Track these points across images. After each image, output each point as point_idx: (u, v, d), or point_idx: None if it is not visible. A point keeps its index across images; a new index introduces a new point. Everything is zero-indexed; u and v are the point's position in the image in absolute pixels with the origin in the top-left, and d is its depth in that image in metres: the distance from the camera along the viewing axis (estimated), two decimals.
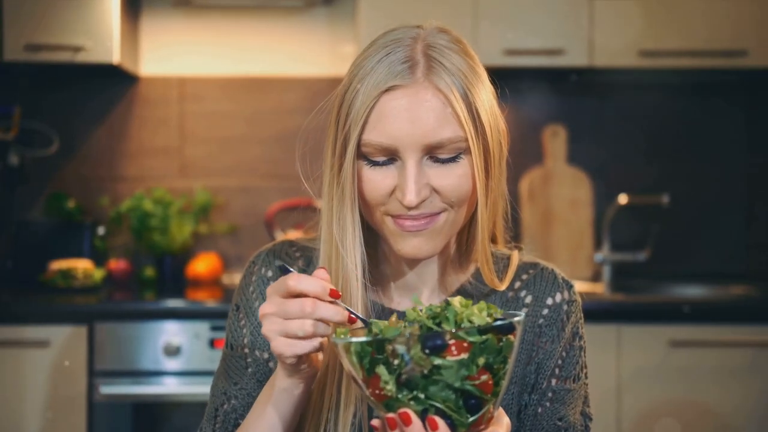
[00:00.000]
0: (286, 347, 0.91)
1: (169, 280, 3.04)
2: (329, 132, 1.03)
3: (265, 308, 0.92)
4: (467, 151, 0.99)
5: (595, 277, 3.12)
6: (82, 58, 2.79)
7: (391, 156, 0.99)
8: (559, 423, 1.08)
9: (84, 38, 2.78)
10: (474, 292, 1.12)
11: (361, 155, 1.00)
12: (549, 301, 1.12)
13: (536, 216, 3.17)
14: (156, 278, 3.05)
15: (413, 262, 1.09)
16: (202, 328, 2.57)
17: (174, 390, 2.55)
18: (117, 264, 3.00)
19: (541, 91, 3.25)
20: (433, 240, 1.02)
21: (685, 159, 3.27)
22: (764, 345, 2.60)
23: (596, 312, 2.62)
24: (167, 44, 3.20)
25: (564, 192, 3.19)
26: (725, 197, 3.27)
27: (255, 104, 3.20)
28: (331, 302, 0.90)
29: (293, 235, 2.86)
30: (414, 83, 0.97)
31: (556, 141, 3.21)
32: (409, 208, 0.98)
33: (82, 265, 2.82)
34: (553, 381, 1.09)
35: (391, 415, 0.79)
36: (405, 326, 0.84)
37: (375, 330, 0.85)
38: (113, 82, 3.16)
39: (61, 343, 2.53)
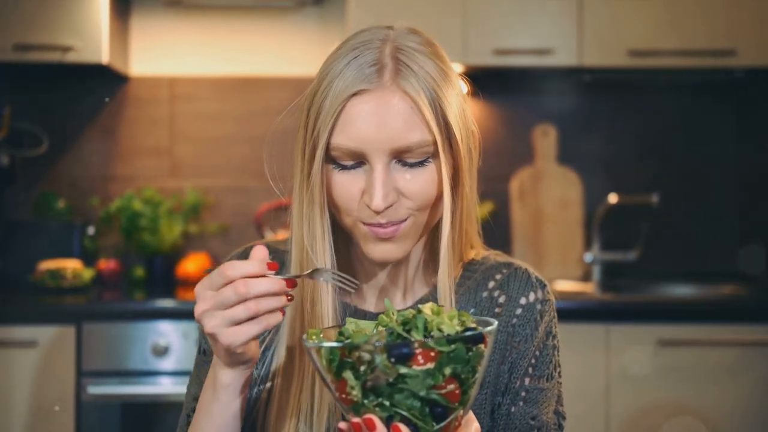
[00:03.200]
0: (234, 336, 0.90)
1: (159, 280, 3.04)
2: (299, 134, 1.03)
3: (199, 308, 0.91)
4: (435, 155, 0.99)
5: (586, 277, 3.12)
6: (71, 58, 2.79)
7: (359, 160, 0.99)
8: (532, 422, 1.08)
9: (73, 38, 2.78)
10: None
11: (329, 159, 1.00)
12: (522, 301, 1.11)
13: (526, 216, 3.17)
14: (146, 278, 3.05)
15: (385, 264, 1.09)
16: (192, 328, 2.57)
17: (162, 390, 2.55)
18: (107, 264, 2.99)
19: (531, 91, 3.25)
20: (402, 244, 1.02)
21: (675, 158, 3.27)
22: (753, 344, 2.60)
23: (585, 311, 2.62)
24: (157, 44, 3.19)
25: (554, 192, 3.19)
26: (715, 197, 3.27)
27: (245, 104, 3.20)
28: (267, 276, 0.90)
29: (282, 234, 2.86)
30: (381, 87, 0.97)
31: (546, 140, 3.21)
32: (377, 212, 0.98)
33: (71, 265, 2.82)
34: (527, 380, 1.09)
35: (356, 419, 0.79)
36: (376, 331, 0.84)
37: (346, 334, 0.85)
38: (103, 82, 3.16)
39: (49, 343, 2.53)
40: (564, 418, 1.12)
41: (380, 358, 0.76)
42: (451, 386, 0.78)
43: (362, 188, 0.99)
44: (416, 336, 0.81)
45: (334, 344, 0.80)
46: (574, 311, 2.61)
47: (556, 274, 3.13)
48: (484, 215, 3.38)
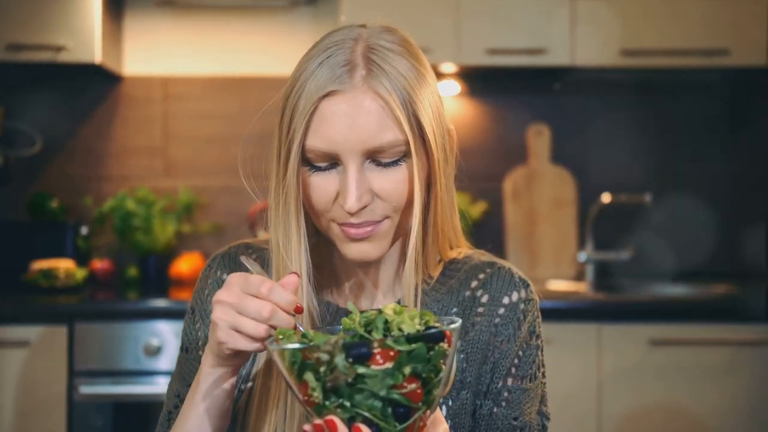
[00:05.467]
0: (230, 338, 0.91)
1: (152, 280, 3.04)
2: (274, 136, 1.02)
3: (222, 295, 0.92)
4: (408, 155, 0.99)
5: (579, 276, 3.12)
6: (63, 57, 2.79)
7: (333, 161, 0.99)
8: (515, 422, 1.08)
9: (65, 38, 2.78)
10: (430, 292, 1.11)
11: (304, 161, 1.00)
12: (505, 300, 1.10)
13: (520, 215, 3.17)
14: (139, 278, 3.04)
15: (363, 265, 1.09)
16: None
17: (155, 390, 2.54)
18: (100, 264, 2.99)
19: (525, 90, 3.26)
20: (378, 244, 1.02)
21: (668, 158, 3.28)
22: (745, 344, 2.60)
23: (577, 311, 2.62)
24: (151, 44, 3.19)
25: (548, 191, 3.19)
26: (708, 196, 3.27)
27: (239, 104, 3.20)
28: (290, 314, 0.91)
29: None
30: (352, 88, 0.97)
31: (539, 140, 3.21)
32: (351, 214, 0.98)
33: (64, 264, 2.81)
34: (509, 380, 1.08)
35: (318, 421, 0.79)
36: (340, 334, 0.84)
37: (308, 336, 0.84)
38: (96, 82, 3.16)
39: (41, 343, 2.52)
40: (548, 418, 1.11)
41: (338, 359, 0.76)
42: (412, 386, 0.77)
43: (337, 190, 0.99)
44: (376, 336, 0.80)
45: (294, 346, 0.80)
46: (566, 311, 2.61)
47: (549, 273, 3.13)
48: (477, 216, 3.35)
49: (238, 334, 0.91)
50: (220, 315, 0.91)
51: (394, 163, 0.99)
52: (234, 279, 0.93)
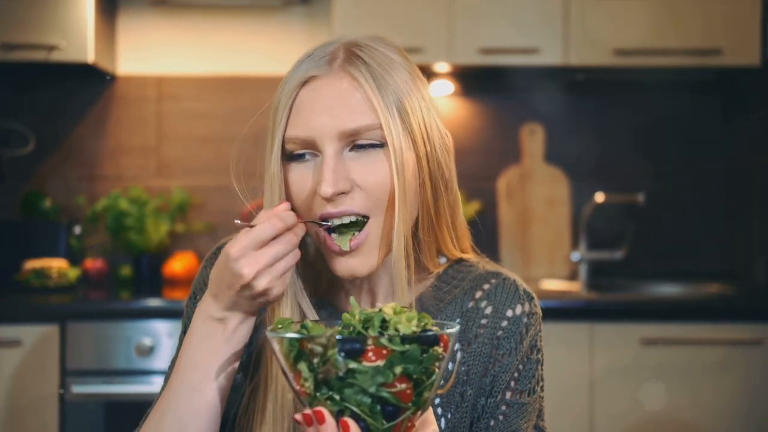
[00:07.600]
0: (282, 285, 0.95)
1: (145, 280, 3.03)
2: (267, 137, 1.04)
3: (252, 266, 0.92)
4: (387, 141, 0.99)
5: (573, 276, 3.12)
6: (56, 57, 2.78)
7: (313, 150, 0.99)
8: None
9: (59, 37, 2.77)
10: (432, 301, 1.10)
11: (286, 155, 1.01)
12: (509, 313, 1.10)
13: (514, 215, 3.17)
14: (132, 277, 3.04)
15: (354, 279, 1.06)
16: (178, 327, 2.56)
17: (148, 389, 2.54)
18: (93, 263, 2.99)
19: (518, 90, 3.26)
20: (366, 259, 1.01)
21: (661, 157, 3.28)
22: (737, 343, 2.61)
23: (570, 310, 2.62)
24: (144, 43, 3.19)
25: (541, 191, 3.20)
26: (701, 196, 3.28)
27: (233, 103, 3.20)
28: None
29: None
30: (330, 73, 0.99)
31: (533, 139, 3.21)
32: (326, 199, 0.97)
33: (56, 264, 2.81)
34: (508, 394, 1.08)
35: (307, 411, 0.80)
36: (337, 328, 0.85)
37: (307, 327, 0.85)
38: (90, 82, 3.15)
39: (33, 343, 2.52)
40: None
41: (331, 352, 0.77)
42: (402, 386, 0.78)
43: (316, 181, 0.99)
44: (372, 333, 0.81)
45: (292, 335, 0.81)
46: (559, 310, 2.61)
47: (543, 273, 3.13)
48: (471, 215, 3.38)
49: (283, 276, 0.95)
50: (266, 281, 0.93)
51: (374, 150, 0.99)
52: (241, 251, 0.93)
